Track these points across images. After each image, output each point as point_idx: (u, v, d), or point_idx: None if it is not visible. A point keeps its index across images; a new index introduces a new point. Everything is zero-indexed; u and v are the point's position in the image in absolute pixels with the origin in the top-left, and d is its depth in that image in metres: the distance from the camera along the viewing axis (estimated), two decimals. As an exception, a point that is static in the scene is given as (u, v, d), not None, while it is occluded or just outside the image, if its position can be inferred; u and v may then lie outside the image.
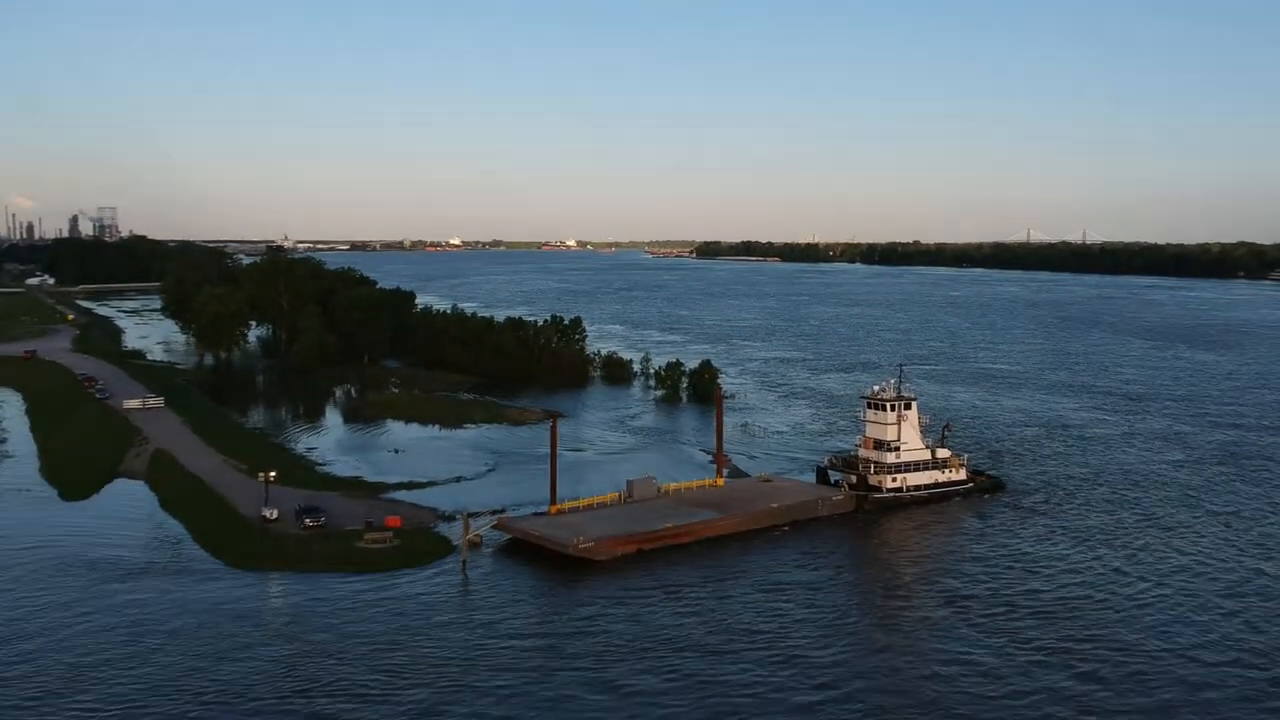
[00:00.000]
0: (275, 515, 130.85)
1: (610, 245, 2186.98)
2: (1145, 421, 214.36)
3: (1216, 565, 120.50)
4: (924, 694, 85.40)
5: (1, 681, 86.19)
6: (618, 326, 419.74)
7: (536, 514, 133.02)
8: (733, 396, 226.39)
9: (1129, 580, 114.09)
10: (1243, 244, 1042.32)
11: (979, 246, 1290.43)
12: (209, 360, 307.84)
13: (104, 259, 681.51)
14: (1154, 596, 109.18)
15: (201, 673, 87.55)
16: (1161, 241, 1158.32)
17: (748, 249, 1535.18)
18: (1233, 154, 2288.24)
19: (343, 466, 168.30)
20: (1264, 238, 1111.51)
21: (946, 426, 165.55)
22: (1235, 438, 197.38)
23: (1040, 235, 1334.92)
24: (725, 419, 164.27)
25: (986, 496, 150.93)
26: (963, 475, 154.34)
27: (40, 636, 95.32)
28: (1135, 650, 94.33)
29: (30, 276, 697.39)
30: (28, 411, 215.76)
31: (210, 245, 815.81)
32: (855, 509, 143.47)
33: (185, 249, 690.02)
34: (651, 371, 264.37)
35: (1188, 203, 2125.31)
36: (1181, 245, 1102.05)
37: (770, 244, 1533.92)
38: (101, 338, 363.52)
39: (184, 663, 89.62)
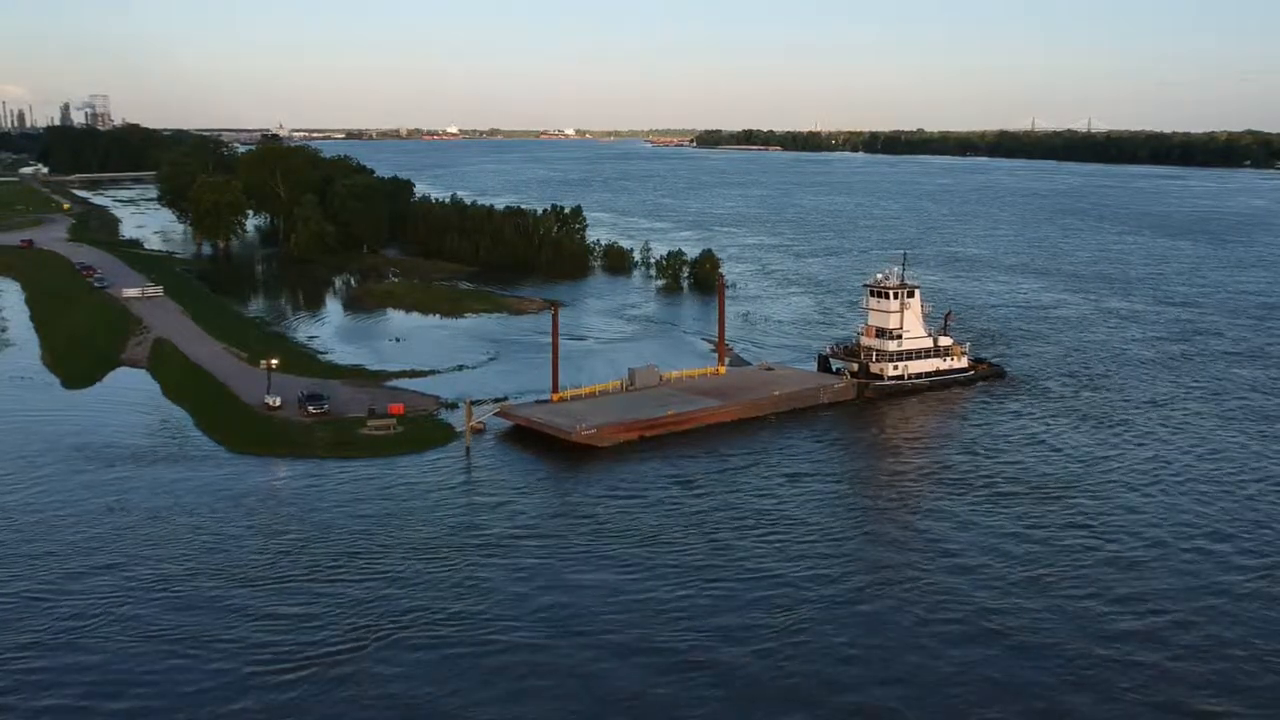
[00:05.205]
0: (278, 403, 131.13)
1: (609, 134, 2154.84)
2: (1126, 304, 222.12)
3: (1208, 440, 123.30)
4: (910, 571, 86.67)
5: None
6: (605, 214, 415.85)
7: (539, 401, 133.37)
8: (734, 286, 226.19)
9: (1130, 461, 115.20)
10: (1249, 132, 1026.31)
11: (983, 135, 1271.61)
12: (207, 249, 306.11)
13: (97, 148, 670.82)
14: (1156, 475, 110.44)
15: (208, 549, 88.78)
16: (1168, 130, 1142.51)
17: (748, 138, 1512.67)
18: (1244, 42, 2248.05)
19: (344, 355, 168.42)
20: (1272, 127, 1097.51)
21: (948, 315, 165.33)
22: (1193, 316, 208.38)
23: (1045, 124, 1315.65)
24: (726, 308, 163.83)
25: (987, 384, 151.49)
26: (964, 363, 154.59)
27: (47, 511, 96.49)
28: (1132, 526, 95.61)
29: (24, 165, 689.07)
30: (27, 301, 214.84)
31: (204, 134, 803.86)
32: (857, 397, 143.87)
33: (179, 138, 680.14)
34: (652, 261, 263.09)
35: (1195, 91, 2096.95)
36: (1188, 134, 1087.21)
37: (771, 133, 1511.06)
38: (98, 227, 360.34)
39: (182, 541, 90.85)
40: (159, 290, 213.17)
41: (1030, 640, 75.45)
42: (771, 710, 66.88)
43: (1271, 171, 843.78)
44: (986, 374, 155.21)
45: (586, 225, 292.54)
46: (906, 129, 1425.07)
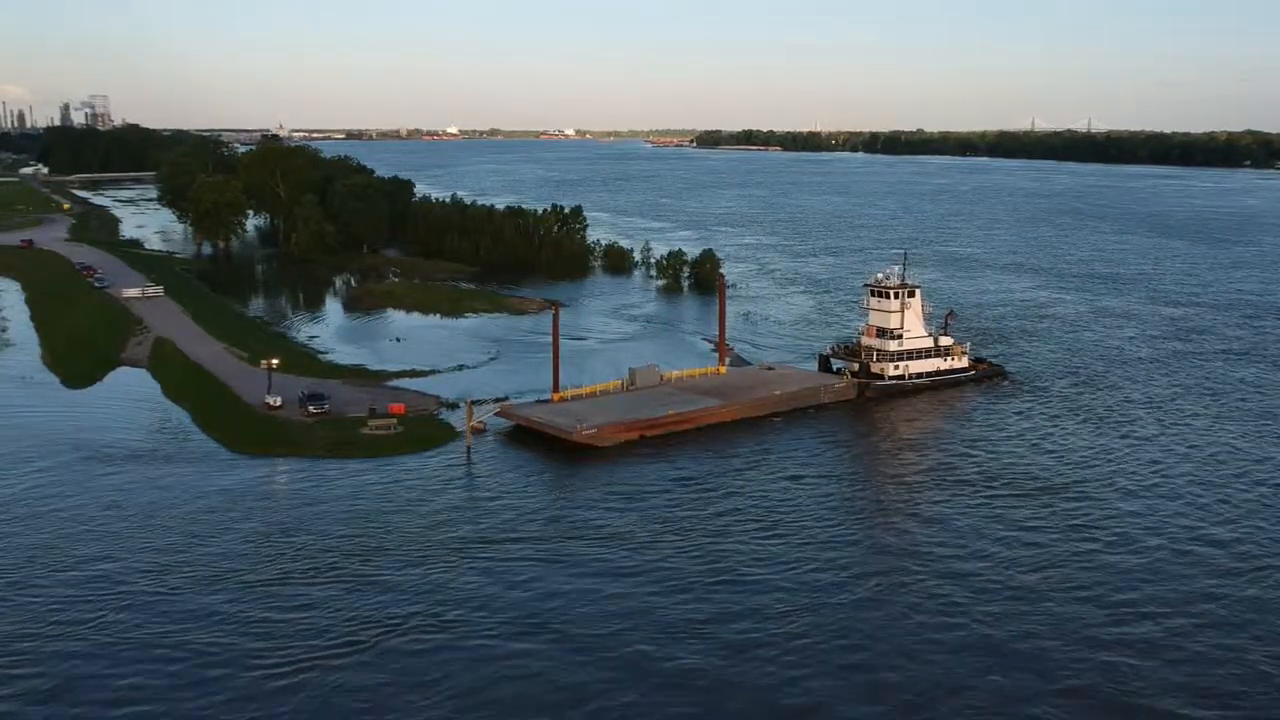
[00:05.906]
0: (279, 403, 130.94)
1: (609, 134, 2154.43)
2: (1125, 304, 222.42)
3: (1208, 440, 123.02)
4: (910, 576, 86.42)
5: None
6: (605, 214, 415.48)
7: (539, 401, 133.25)
8: (735, 286, 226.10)
9: (1131, 464, 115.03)
10: (1249, 132, 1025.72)
11: (983, 135, 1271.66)
12: (207, 249, 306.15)
13: (98, 148, 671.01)
14: (1157, 477, 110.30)
15: (207, 549, 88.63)
16: (1168, 130, 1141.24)
17: (748, 138, 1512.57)
18: (1244, 42, 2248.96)
19: (344, 355, 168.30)
20: (1272, 127, 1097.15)
21: (949, 315, 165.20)
22: (1191, 315, 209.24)
23: (1045, 124, 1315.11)
24: (726, 308, 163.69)
25: (988, 384, 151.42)
26: (965, 363, 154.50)
27: (45, 510, 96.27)
28: (1133, 529, 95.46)
29: (24, 165, 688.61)
30: (27, 301, 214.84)
31: (204, 134, 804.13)
32: (857, 397, 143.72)
33: (179, 138, 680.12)
34: (652, 261, 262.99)
35: (1195, 91, 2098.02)
36: (1188, 134, 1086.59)
37: (771, 133, 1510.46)
38: (98, 227, 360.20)
39: (181, 541, 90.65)
40: (159, 290, 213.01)
41: (1031, 646, 75.01)
42: (769, 718, 66.73)
43: (1271, 171, 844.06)
44: (987, 373, 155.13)
45: (586, 225, 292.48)
46: (906, 129, 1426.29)
